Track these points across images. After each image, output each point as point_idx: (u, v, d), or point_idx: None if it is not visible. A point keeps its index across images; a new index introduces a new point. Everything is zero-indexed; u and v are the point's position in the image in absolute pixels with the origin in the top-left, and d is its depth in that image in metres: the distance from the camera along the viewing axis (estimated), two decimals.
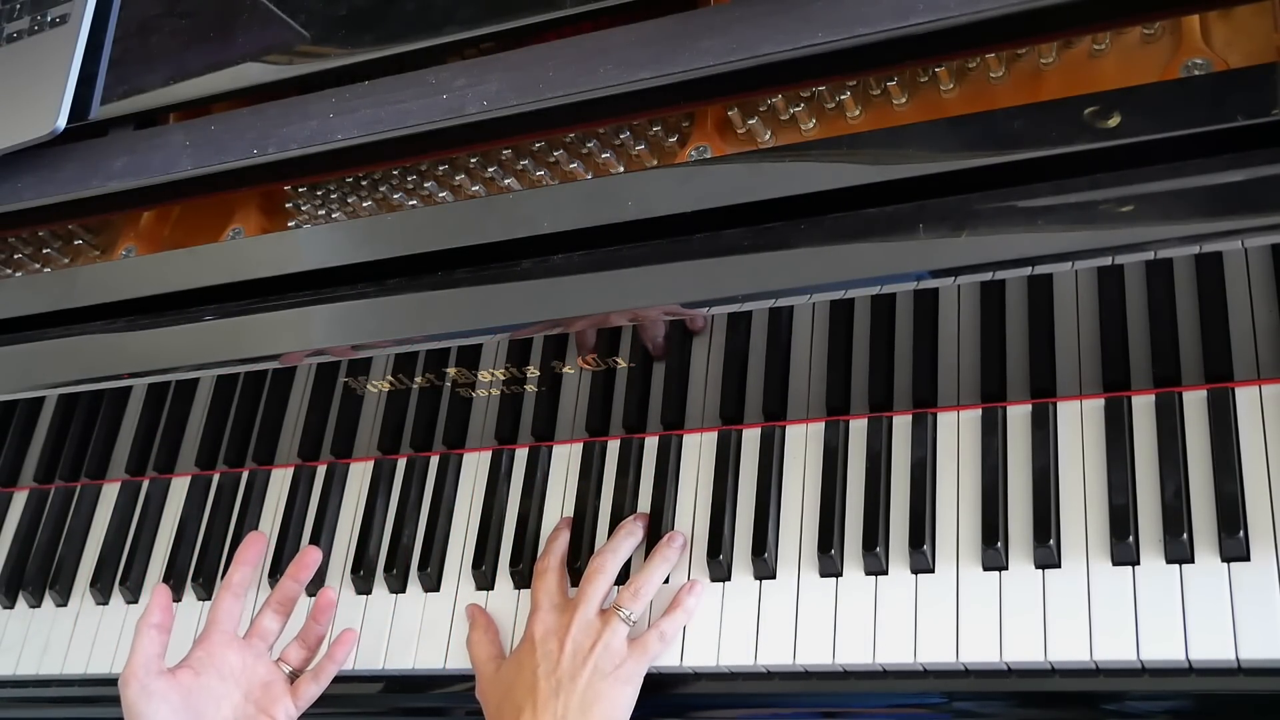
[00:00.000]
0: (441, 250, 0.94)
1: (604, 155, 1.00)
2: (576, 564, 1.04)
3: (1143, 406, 0.92)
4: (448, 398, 1.12)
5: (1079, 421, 0.93)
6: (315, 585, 1.13)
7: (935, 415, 0.97)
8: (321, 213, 1.11)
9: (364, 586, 1.11)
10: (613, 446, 1.08)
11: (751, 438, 1.03)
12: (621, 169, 1.00)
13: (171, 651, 1.05)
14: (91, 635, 1.19)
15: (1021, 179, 0.79)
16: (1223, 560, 0.85)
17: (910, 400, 0.98)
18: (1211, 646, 0.83)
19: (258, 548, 1.13)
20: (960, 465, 0.95)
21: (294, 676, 1.07)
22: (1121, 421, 0.91)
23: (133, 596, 1.20)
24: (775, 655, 0.94)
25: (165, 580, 1.18)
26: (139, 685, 1.00)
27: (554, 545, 1.03)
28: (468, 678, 1.04)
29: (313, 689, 1.06)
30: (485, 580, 1.07)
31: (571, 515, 1.06)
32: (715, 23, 0.88)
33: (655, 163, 1.00)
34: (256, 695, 1.04)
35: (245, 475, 1.21)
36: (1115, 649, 0.85)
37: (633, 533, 1.01)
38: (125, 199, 1.07)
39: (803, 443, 1.01)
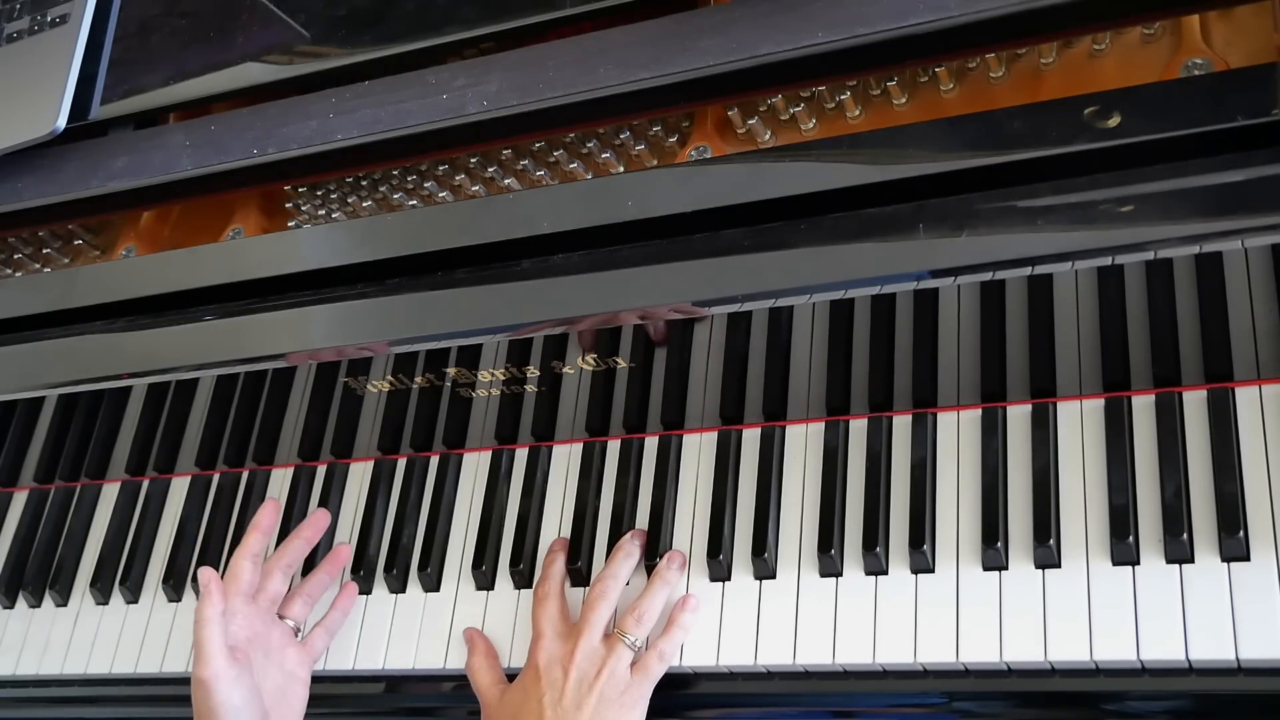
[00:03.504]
0: (441, 250, 0.94)
1: (604, 155, 1.00)
2: (577, 564, 1.04)
3: (1143, 406, 0.92)
4: (448, 398, 1.12)
5: (1079, 421, 0.93)
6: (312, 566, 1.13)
7: (935, 415, 0.97)
8: (321, 213, 1.11)
9: (364, 586, 1.11)
10: (613, 446, 1.08)
11: (751, 438, 1.03)
12: (621, 169, 1.00)
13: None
14: (91, 635, 1.19)
15: (1021, 179, 0.79)
16: (1223, 560, 0.85)
17: (910, 400, 0.98)
18: (1211, 646, 0.82)
19: (273, 516, 1.11)
20: (960, 465, 0.95)
21: (295, 631, 1.07)
22: (1121, 421, 0.91)
23: (133, 596, 1.20)
24: (775, 655, 0.94)
25: (165, 581, 1.18)
26: (226, 678, 0.97)
27: (552, 570, 1.02)
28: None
29: (325, 641, 1.07)
30: (485, 580, 1.07)
31: (566, 537, 1.06)
32: (715, 23, 0.88)
33: (655, 163, 1.00)
34: (279, 659, 1.04)
35: (245, 475, 1.21)
36: (1115, 649, 0.85)
37: (630, 553, 1.01)
38: (125, 199, 1.07)
39: (803, 443, 1.01)
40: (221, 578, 1.04)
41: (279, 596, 1.08)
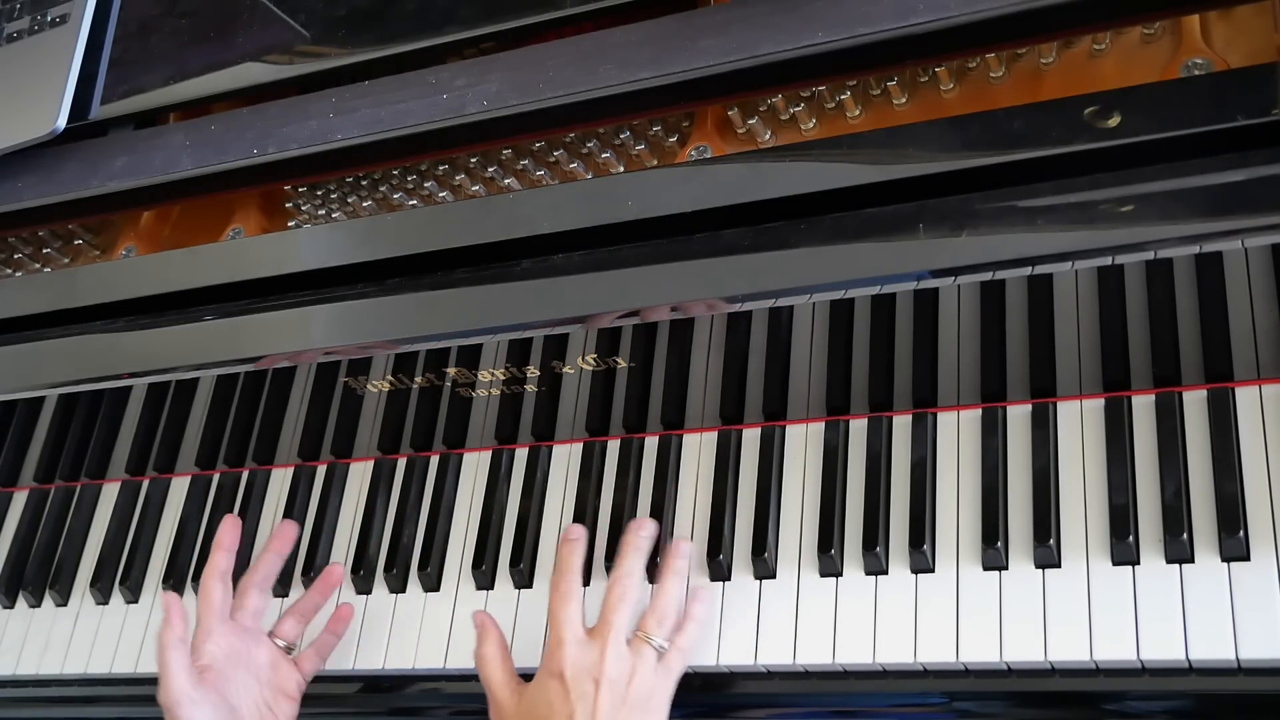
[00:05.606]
0: (441, 250, 0.94)
1: (604, 155, 1.00)
2: None
3: (1143, 406, 0.92)
4: (448, 398, 1.12)
5: (1079, 421, 0.93)
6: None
7: (935, 415, 0.97)
8: (321, 213, 1.11)
9: (364, 586, 1.11)
10: (613, 446, 1.08)
11: (751, 438, 1.03)
12: (621, 169, 1.00)
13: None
14: (91, 635, 1.19)
15: (1021, 179, 0.79)
16: (1223, 560, 0.85)
17: (910, 400, 0.98)
18: (1211, 646, 0.83)
19: (234, 533, 1.11)
20: (960, 465, 0.95)
21: (288, 650, 1.07)
22: (1121, 421, 0.91)
23: (133, 596, 1.20)
24: (775, 655, 0.94)
25: (165, 581, 1.18)
26: (188, 700, 0.97)
27: (570, 564, 0.98)
28: (469, 678, 1.04)
29: (315, 663, 1.07)
30: (485, 580, 1.07)
31: (584, 526, 1.03)
32: (715, 23, 0.88)
33: (655, 163, 1.00)
34: (267, 676, 1.04)
35: (245, 475, 1.21)
36: (1115, 649, 0.85)
37: (639, 548, 0.98)
38: (125, 199, 1.07)
39: (803, 443, 1.01)
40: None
41: (259, 612, 1.08)
